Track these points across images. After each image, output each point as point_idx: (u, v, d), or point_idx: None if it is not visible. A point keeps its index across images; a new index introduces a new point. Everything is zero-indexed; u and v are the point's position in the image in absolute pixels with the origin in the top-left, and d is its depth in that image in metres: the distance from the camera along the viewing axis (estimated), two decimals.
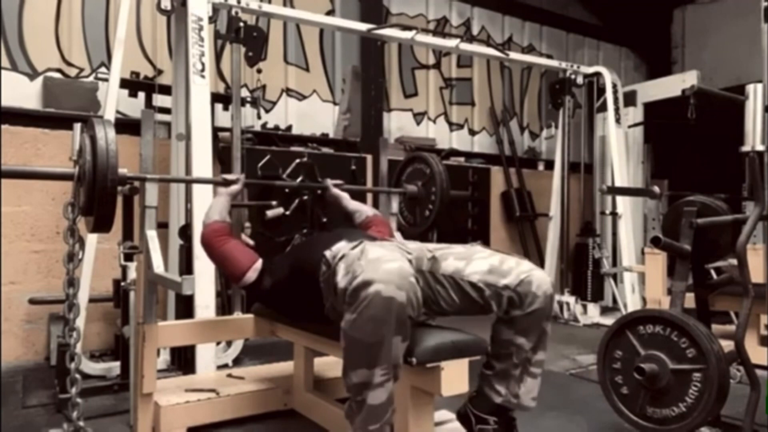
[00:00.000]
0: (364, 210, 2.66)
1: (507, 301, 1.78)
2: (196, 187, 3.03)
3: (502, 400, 1.84)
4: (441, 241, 2.38)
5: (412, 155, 3.13)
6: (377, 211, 2.70)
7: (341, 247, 1.86)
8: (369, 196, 4.36)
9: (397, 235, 2.92)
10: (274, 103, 4.78)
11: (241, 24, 3.39)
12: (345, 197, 2.73)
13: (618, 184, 4.72)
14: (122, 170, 1.90)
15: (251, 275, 2.15)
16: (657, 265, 3.52)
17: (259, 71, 4.28)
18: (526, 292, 1.77)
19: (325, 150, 4.56)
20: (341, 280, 1.68)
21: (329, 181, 2.80)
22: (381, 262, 1.60)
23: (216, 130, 3.73)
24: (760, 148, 2.05)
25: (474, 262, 1.86)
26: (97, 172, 1.74)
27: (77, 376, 1.94)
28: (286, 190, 4.04)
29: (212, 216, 2.30)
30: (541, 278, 1.80)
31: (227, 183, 2.48)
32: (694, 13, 7.08)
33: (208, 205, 2.99)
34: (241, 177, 2.53)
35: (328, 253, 1.85)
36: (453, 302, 1.88)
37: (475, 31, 6.00)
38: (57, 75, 3.86)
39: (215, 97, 3.75)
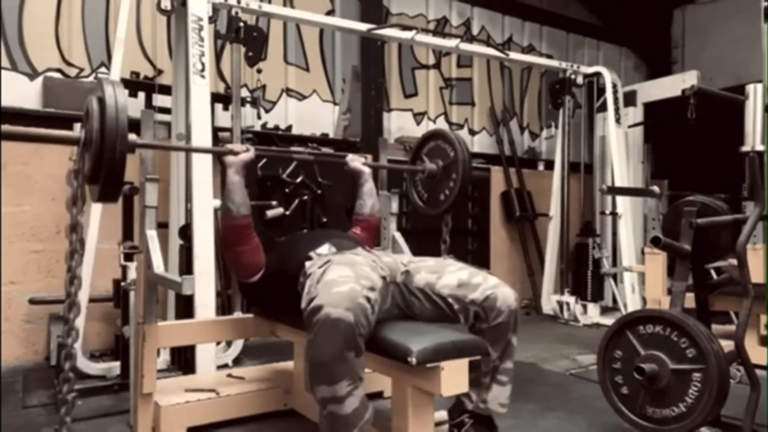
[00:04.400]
0: (368, 203, 2.57)
1: (474, 315, 1.94)
2: (196, 188, 3.02)
3: (473, 406, 1.98)
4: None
5: (435, 131, 2.85)
6: (377, 213, 2.63)
7: (324, 251, 2.04)
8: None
9: (397, 235, 2.92)
10: (274, 103, 4.78)
11: (241, 24, 3.39)
12: (366, 173, 2.60)
13: (618, 184, 4.72)
14: (131, 136, 1.73)
15: (258, 276, 2.22)
16: (657, 265, 3.52)
17: (259, 71, 4.28)
18: (491, 307, 1.91)
19: (325, 150, 4.56)
20: (304, 299, 1.81)
21: (350, 156, 2.67)
22: (332, 286, 1.74)
23: (216, 130, 3.72)
24: (760, 148, 2.05)
25: (444, 276, 2.01)
26: (105, 138, 1.60)
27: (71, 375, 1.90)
28: (287, 188, 3.98)
29: (239, 206, 2.15)
30: (506, 294, 1.94)
31: (235, 153, 2.23)
32: (694, 13, 7.08)
33: (207, 205, 3.02)
34: (250, 147, 2.30)
35: (307, 264, 2.00)
36: (425, 312, 2.02)
37: (475, 31, 6.00)
38: (57, 75, 3.86)
39: (215, 97, 3.75)
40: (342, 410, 1.66)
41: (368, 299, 1.73)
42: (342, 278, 1.78)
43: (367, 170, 2.60)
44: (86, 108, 1.71)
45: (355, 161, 2.61)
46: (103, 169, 1.62)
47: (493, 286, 1.95)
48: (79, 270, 1.80)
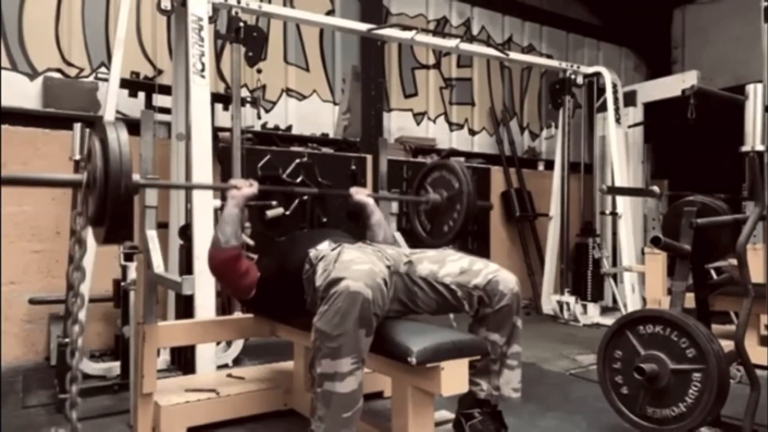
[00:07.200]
0: (379, 234, 2.45)
1: (477, 300, 1.96)
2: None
3: (485, 394, 1.98)
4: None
5: (440, 163, 2.85)
6: (393, 235, 2.55)
7: (324, 247, 2.03)
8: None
9: (397, 235, 2.92)
10: (274, 103, 4.78)
11: (241, 24, 3.39)
12: (371, 205, 2.51)
13: (618, 184, 4.72)
14: (135, 176, 1.68)
15: (252, 293, 2.22)
16: (657, 265, 3.52)
17: (259, 71, 4.28)
18: (493, 290, 1.94)
19: (325, 150, 4.57)
20: (319, 278, 1.84)
21: (354, 189, 2.57)
22: (353, 264, 1.79)
23: (216, 130, 3.72)
24: (760, 148, 2.05)
25: (447, 265, 2.03)
26: (110, 179, 1.54)
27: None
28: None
29: (229, 237, 2.12)
30: (507, 277, 1.98)
31: (238, 189, 2.23)
32: (694, 13, 7.08)
33: (207, 205, 3.03)
34: (254, 182, 2.28)
35: (312, 253, 2.01)
36: (429, 301, 2.03)
37: (475, 31, 6.00)
38: (57, 75, 3.86)
39: (215, 97, 3.75)
40: (340, 388, 1.67)
41: (385, 282, 1.78)
42: (360, 259, 1.84)
43: (371, 201, 2.52)
44: (88, 149, 1.66)
45: (360, 194, 2.54)
46: (109, 211, 1.57)
47: (494, 270, 1.98)
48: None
